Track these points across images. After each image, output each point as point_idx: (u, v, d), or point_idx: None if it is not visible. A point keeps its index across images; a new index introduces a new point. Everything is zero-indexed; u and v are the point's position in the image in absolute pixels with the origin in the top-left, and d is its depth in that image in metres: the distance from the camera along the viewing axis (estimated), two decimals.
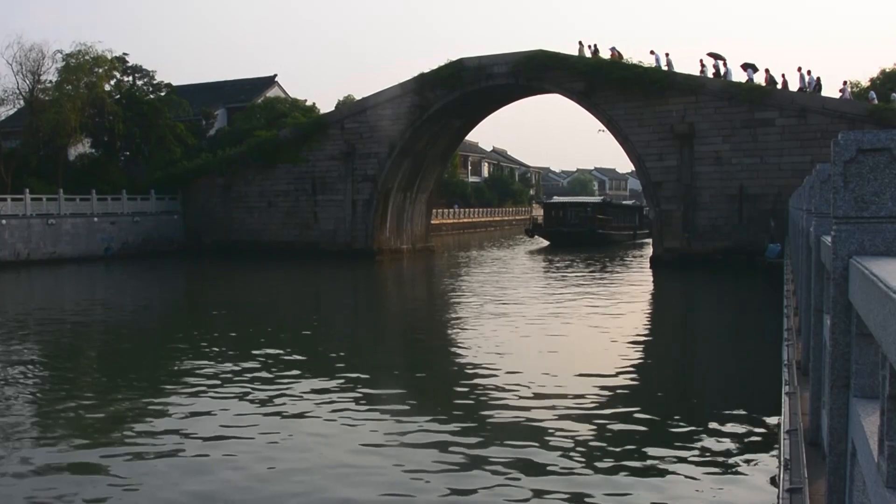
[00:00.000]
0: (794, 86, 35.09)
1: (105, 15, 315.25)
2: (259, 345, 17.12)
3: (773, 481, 7.67)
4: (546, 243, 55.98)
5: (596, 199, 73.38)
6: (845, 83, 34.77)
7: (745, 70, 36.13)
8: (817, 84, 34.85)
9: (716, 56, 37.22)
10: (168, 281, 36.43)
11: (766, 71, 35.71)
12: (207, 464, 9.08)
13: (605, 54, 38.96)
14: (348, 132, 43.80)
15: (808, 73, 35.18)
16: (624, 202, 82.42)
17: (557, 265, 39.03)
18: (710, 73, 36.41)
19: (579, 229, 54.97)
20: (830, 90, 35.00)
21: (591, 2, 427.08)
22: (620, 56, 38.69)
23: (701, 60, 36.91)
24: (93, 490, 8.32)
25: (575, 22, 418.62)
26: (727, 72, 36.31)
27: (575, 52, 39.07)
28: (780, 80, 35.34)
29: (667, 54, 37.39)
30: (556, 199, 70.35)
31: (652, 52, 37.70)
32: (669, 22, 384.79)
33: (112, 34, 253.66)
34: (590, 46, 39.29)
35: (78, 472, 8.92)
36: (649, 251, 42.28)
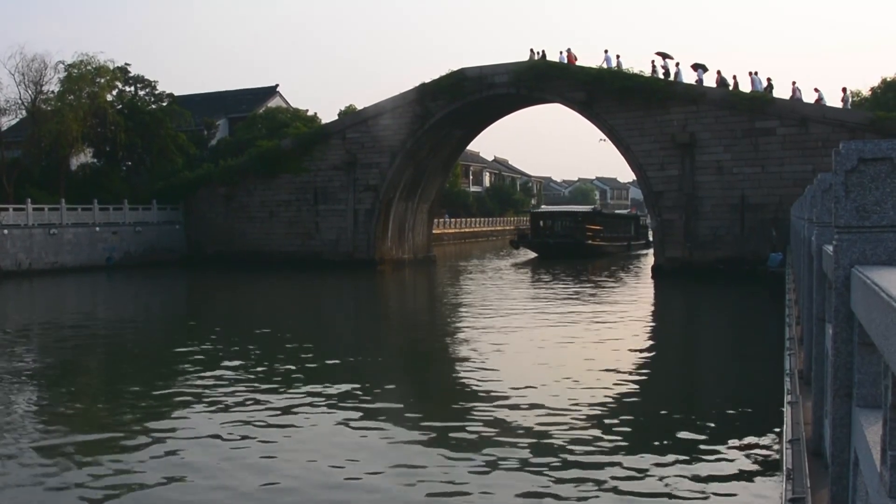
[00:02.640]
0: (745, 87, 35.22)
1: (107, 26, 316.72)
2: (261, 355, 17.13)
3: (776, 491, 7.65)
4: (533, 255, 52.90)
5: (586, 208, 68.51)
6: (794, 83, 34.74)
7: (695, 70, 36.53)
8: (768, 85, 35.12)
9: (664, 56, 37.52)
10: (170, 291, 36.42)
11: (718, 72, 36.13)
12: (206, 471, 9.07)
13: (553, 57, 39.72)
14: (350, 142, 43.85)
15: (756, 73, 35.57)
16: (618, 211, 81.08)
17: (552, 277, 38.94)
18: (660, 73, 36.82)
19: (567, 240, 51.44)
20: (784, 93, 35.02)
21: (591, 12, 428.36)
22: (575, 59, 39.23)
23: (653, 61, 37.38)
24: (93, 496, 8.31)
25: (575, 32, 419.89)
26: (677, 72, 36.63)
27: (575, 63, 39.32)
28: (731, 82, 35.53)
29: (617, 56, 38.25)
30: (543, 208, 67.77)
31: (606, 51, 38.77)
32: (670, 32, 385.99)
33: (114, 45, 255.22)
34: (538, 53, 40.10)
35: (78, 481, 8.91)
36: (645, 263, 42.15)
